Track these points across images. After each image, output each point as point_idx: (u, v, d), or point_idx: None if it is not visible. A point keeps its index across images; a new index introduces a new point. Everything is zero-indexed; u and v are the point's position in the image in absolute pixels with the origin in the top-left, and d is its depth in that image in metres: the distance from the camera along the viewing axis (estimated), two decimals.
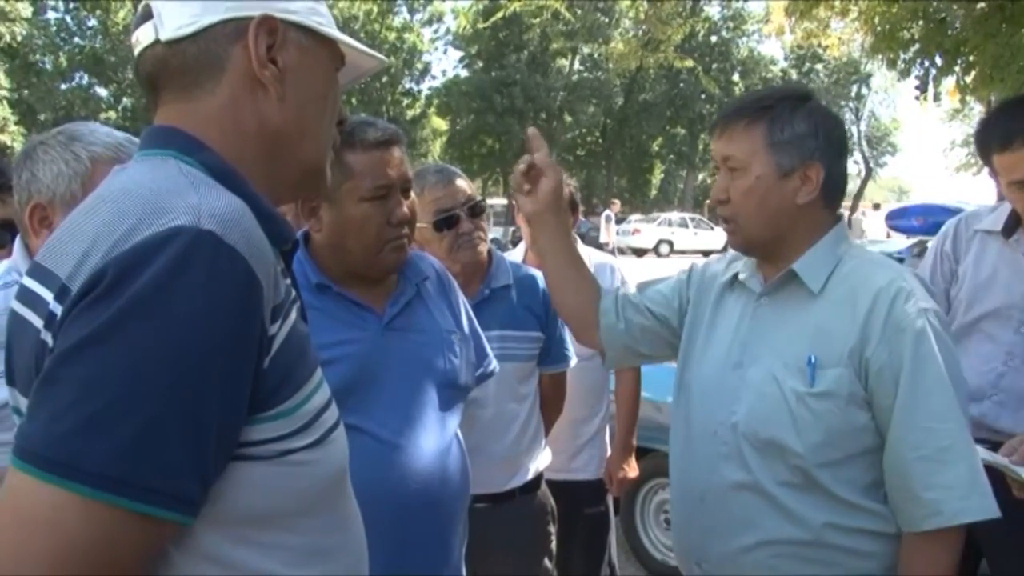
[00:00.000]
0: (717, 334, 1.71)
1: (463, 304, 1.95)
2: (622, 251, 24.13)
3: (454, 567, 1.78)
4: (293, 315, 0.91)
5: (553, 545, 2.44)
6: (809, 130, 1.56)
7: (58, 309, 0.80)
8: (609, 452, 2.95)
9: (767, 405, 1.55)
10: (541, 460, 2.44)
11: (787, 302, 1.61)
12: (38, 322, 0.82)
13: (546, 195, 1.76)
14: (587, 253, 2.95)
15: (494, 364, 2.04)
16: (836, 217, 1.65)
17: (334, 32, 1.02)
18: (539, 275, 2.43)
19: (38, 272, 0.85)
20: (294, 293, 0.96)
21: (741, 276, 1.71)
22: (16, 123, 29.40)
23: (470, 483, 1.81)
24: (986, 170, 2.32)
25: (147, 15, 0.95)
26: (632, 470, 2.93)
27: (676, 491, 1.73)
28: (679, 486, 1.72)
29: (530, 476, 2.38)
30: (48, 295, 0.82)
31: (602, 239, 20.48)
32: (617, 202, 23.15)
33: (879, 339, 1.49)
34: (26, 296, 0.86)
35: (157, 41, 0.94)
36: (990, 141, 2.20)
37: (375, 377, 1.68)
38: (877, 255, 1.68)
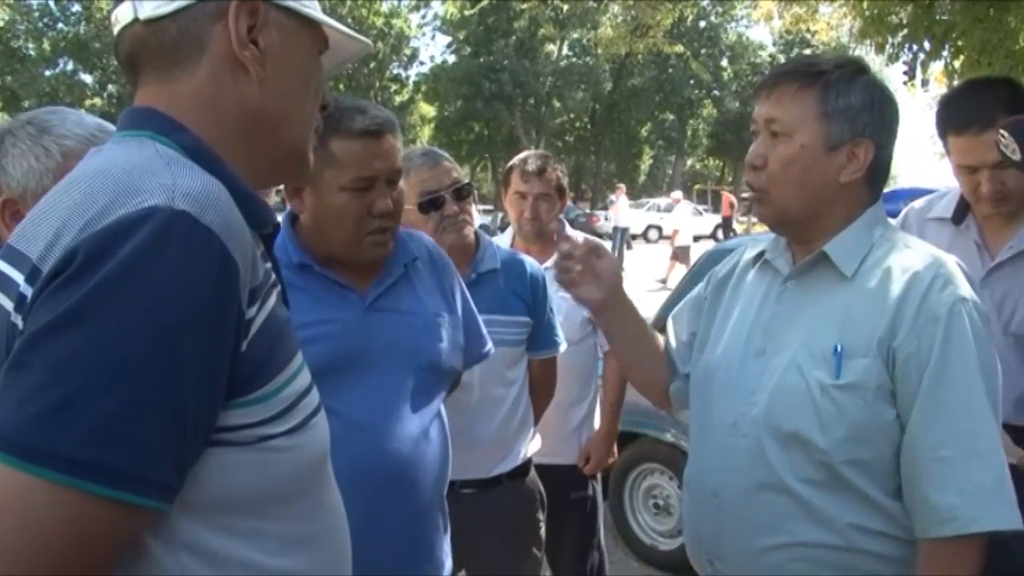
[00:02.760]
0: (736, 316, 1.61)
1: (458, 285, 1.92)
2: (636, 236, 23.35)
3: (430, 553, 1.76)
4: (273, 298, 0.90)
5: (542, 532, 2.43)
6: (865, 103, 1.45)
7: (29, 291, 0.78)
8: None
9: (790, 396, 1.44)
10: (530, 446, 2.43)
11: (815, 286, 1.50)
12: (8, 304, 0.80)
13: (610, 274, 1.65)
14: (576, 237, 2.94)
15: (489, 346, 2.01)
16: (874, 198, 1.54)
17: (318, 14, 1.00)
18: (527, 260, 2.42)
19: (9, 254, 0.84)
20: (274, 276, 0.94)
21: (768, 255, 1.60)
22: (0, 109, 29.15)
23: (449, 468, 1.79)
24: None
25: None
26: (612, 455, 2.93)
27: (688, 485, 1.63)
28: (692, 480, 1.62)
29: (518, 462, 2.36)
30: (19, 277, 0.80)
31: (616, 224, 19.68)
32: (622, 186, 22.62)
33: (910, 327, 1.38)
34: None
35: (136, 20, 0.92)
36: (947, 122, 2.17)
37: (354, 358, 1.65)
38: (915, 239, 1.57)
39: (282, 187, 1.71)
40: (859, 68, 1.49)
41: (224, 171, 0.89)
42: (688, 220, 16.31)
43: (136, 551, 0.79)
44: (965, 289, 1.41)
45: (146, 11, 0.91)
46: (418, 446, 1.67)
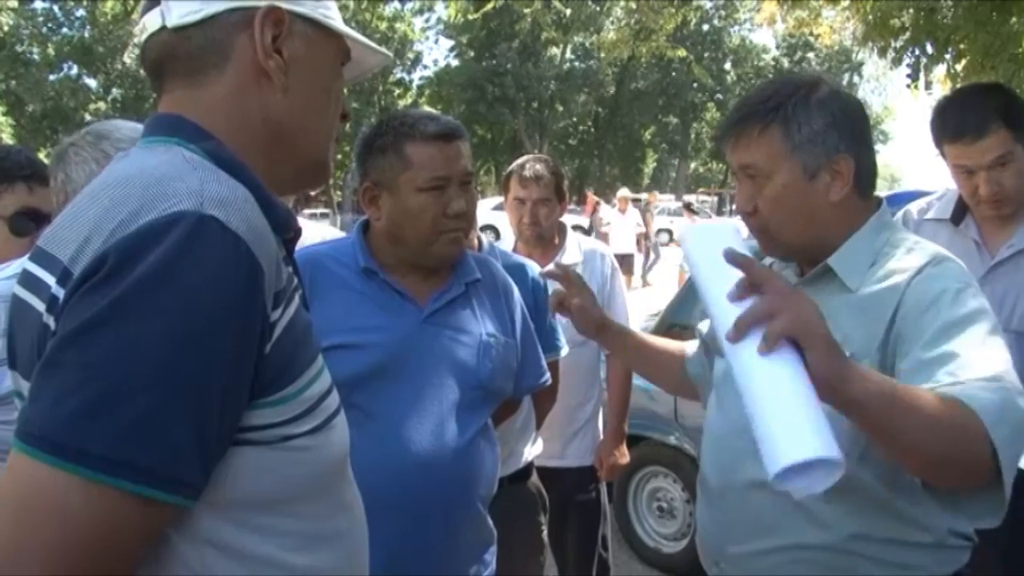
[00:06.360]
0: None
1: (519, 312, 1.96)
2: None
3: (467, 563, 1.78)
4: (295, 302, 0.92)
5: (544, 535, 2.43)
6: (828, 122, 1.45)
7: (60, 293, 0.80)
8: (602, 438, 2.96)
9: None
10: (531, 450, 2.44)
11: (821, 295, 1.48)
12: (40, 306, 0.82)
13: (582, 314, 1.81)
14: (577, 240, 2.95)
15: (546, 377, 2.06)
16: (875, 203, 1.54)
17: (341, 26, 1.02)
18: (529, 264, 2.43)
19: (40, 256, 0.86)
20: (296, 280, 0.97)
21: (776, 267, 1.63)
22: (4, 114, 29.17)
23: (495, 484, 1.83)
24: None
25: (155, 1, 0.96)
26: (623, 456, 2.93)
27: (700, 488, 1.66)
28: (703, 483, 1.64)
29: (519, 466, 2.37)
30: (50, 279, 0.82)
31: (636, 230, 18.93)
32: (627, 190, 22.18)
33: (912, 305, 1.35)
34: (28, 280, 0.86)
35: (163, 28, 0.95)
36: (942, 131, 2.19)
37: (402, 367, 1.70)
38: (922, 241, 1.54)
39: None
40: (812, 86, 1.48)
41: (248, 177, 0.91)
42: (625, 225, 15.56)
43: (161, 547, 0.81)
44: (967, 274, 1.42)
45: (174, 19, 0.94)
46: (455, 462, 1.70)
